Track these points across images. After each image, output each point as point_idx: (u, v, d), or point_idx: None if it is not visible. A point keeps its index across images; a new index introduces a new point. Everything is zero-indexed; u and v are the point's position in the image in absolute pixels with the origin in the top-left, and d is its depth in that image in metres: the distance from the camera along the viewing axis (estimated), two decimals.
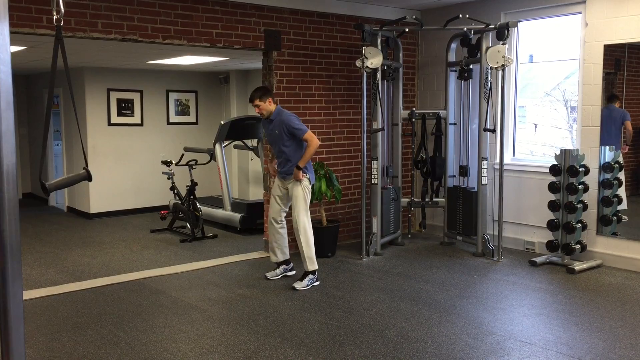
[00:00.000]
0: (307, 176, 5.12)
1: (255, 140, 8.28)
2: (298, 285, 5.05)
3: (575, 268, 5.50)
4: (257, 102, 4.99)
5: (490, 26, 5.98)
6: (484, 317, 4.36)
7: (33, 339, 3.98)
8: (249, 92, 9.50)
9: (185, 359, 3.65)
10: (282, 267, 5.40)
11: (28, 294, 4.93)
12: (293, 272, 5.43)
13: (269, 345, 3.84)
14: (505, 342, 3.89)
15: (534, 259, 5.82)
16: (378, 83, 6.13)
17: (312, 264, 5.10)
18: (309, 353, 3.72)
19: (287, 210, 5.34)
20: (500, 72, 5.93)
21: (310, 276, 5.11)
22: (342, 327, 4.18)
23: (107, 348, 3.83)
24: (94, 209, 8.80)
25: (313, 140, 4.97)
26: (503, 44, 5.82)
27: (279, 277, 5.37)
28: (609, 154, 5.77)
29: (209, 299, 4.85)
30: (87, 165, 2.18)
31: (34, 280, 5.41)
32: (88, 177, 2.15)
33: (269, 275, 5.38)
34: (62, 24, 1.93)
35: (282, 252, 5.37)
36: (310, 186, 5.19)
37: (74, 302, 4.81)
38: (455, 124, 6.70)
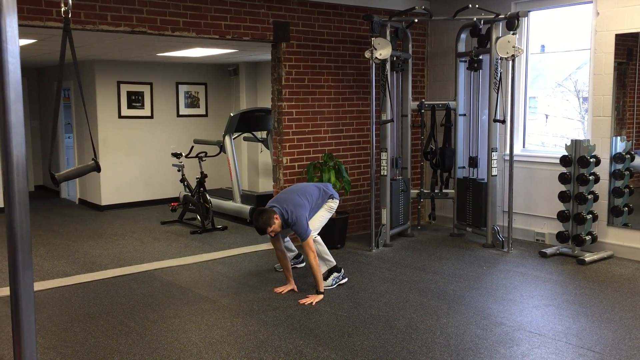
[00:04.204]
0: (335, 199, 5.05)
1: (265, 132, 8.29)
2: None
3: (586, 259, 5.48)
4: (270, 229, 4.53)
5: (500, 16, 5.94)
6: (493, 308, 4.36)
7: (45, 329, 4.03)
8: (258, 84, 9.63)
9: (195, 349, 3.68)
10: (292, 260, 5.36)
11: (40, 285, 4.98)
12: (303, 264, 5.44)
13: (278, 336, 3.86)
14: (515, 333, 3.89)
15: (544, 250, 5.80)
16: (387, 74, 6.11)
17: (326, 264, 4.88)
18: (318, 343, 3.74)
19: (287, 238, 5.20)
20: (510, 62, 5.89)
21: (335, 273, 4.90)
22: (351, 317, 4.19)
23: (118, 338, 3.87)
24: (105, 201, 8.86)
25: (309, 251, 4.60)
26: (513, 34, 5.77)
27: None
28: (620, 145, 5.72)
29: (219, 289, 4.88)
30: (96, 156, 2.20)
31: (46, 272, 5.47)
32: (97, 168, 2.17)
33: (277, 267, 5.37)
34: (70, 15, 1.95)
35: (289, 250, 5.29)
36: (335, 208, 5.10)
37: (86, 293, 4.86)
38: (464, 114, 6.67)
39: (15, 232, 1.66)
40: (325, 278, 4.84)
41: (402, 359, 3.49)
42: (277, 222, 4.54)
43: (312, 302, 4.48)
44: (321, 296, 4.57)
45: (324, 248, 4.90)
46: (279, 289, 4.79)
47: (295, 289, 4.78)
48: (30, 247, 1.70)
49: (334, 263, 4.91)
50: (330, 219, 6.05)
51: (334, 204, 5.06)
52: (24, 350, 1.69)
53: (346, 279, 4.97)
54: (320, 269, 4.76)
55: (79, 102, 9.38)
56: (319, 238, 4.89)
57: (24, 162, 1.67)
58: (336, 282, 4.88)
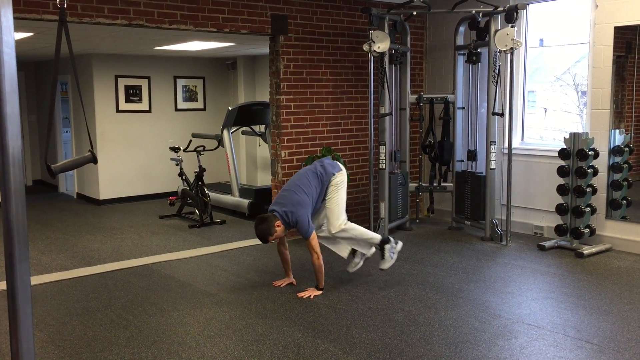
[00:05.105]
0: (337, 172, 4.66)
1: (263, 126, 8.27)
2: (384, 264, 4.66)
3: (584, 252, 5.48)
4: (271, 238, 4.42)
5: (499, 9, 5.92)
6: (492, 301, 4.36)
7: (43, 322, 4.03)
8: (256, 77, 9.61)
9: (194, 342, 3.68)
10: (359, 254, 4.85)
11: (38, 279, 4.98)
12: (373, 250, 4.84)
13: (276, 329, 3.86)
14: (513, 325, 3.89)
15: (542, 243, 5.80)
16: (385, 67, 6.09)
17: (372, 241, 4.68)
18: (316, 336, 3.74)
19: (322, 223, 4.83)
20: (509, 55, 5.88)
21: (387, 246, 4.66)
22: (349, 310, 4.19)
23: (116, 331, 3.87)
24: (104, 195, 8.85)
25: (313, 251, 4.46)
26: (512, 26, 5.75)
27: (361, 264, 4.88)
28: (619, 137, 5.72)
29: (217, 283, 4.88)
30: (92, 147, 2.19)
31: (44, 266, 5.46)
32: (93, 160, 2.16)
33: (349, 269, 4.88)
34: (65, 5, 1.93)
35: (341, 245, 4.80)
36: (343, 180, 4.67)
37: (84, 286, 4.85)
38: (463, 108, 6.66)
39: (11, 224, 1.66)
40: (382, 256, 4.65)
41: (401, 352, 3.50)
42: (279, 229, 4.39)
43: (310, 296, 4.48)
44: (320, 292, 4.55)
45: (360, 229, 4.64)
46: (277, 283, 4.79)
47: (294, 283, 4.78)
48: (27, 238, 1.69)
49: (379, 238, 4.66)
50: None
51: (339, 177, 4.65)
52: (21, 343, 1.69)
53: (401, 243, 4.80)
54: (369, 250, 4.64)
55: (77, 96, 9.35)
56: (349, 224, 4.61)
57: (20, 153, 1.66)
58: (394, 253, 4.67)
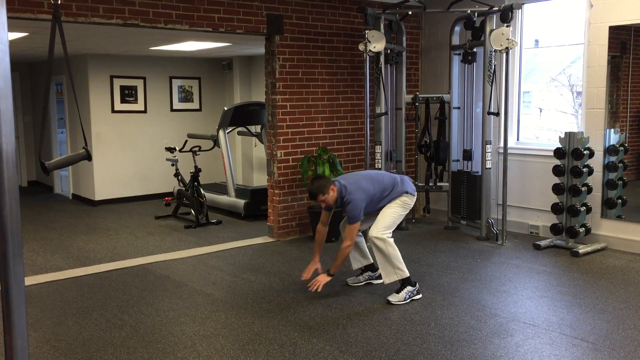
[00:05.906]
0: (411, 194, 4.48)
1: (259, 127, 8.27)
2: (394, 298, 4.33)
3: (580, 251, 5.49)
4: (321, 197, 4.28)
5: (494, 8, 5.94)
6: (488, 300, 4.36)
7: (38, 323, 4.02)
8: (252, 77, 9.60)
9: (190, 341, 3.67)
10: (367, 273, 4.77)
11: (34, 279, 4.96)
12: (380, 281, 4.68)
13: (272, 328, 3.86)
14: (509, 324, 3.89)
15: (538, 243, 5.81)
16: (381, 67, 6.10)
17: (397, 273, 4.38)
18: (312, 335, 3.73)
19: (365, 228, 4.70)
20: (504, 55, 5.89)
21: (409, 287, 4.37)
22: (345, 310, 4.19)
23: (112, 331, 3.85)
24: (99, 196, 8.82)
25: (348, 238, 4.35)
26: (507, 26, 5.77)
27: (362, 284, 4.76)
28: (614, 137, 5.73)
29: (213, 283, 4.87)
30: (86, 144, 2.18)
31: (39, 266, 5.44)
32: (87, 157, 2.15)
33: (350, 281, 4.79)
34: (59, 2, 1.93)
35: (362, 255, 4.72)
36: (410, 205, 4.51)
37: (79, 287, 4.84)
38: (459, 107, 6.67)
39: (5, 222, 1.65)
40: (398, 291, 4.36)
41: (397, 350, 3.50)
42: (331, 193, 4.27)
43: (319, 286, 4.34)
44: (329, 278, 4.40)
45: (396, 252, 4.37)
46: (304, 274, 4.55)
47: (319, 269, 4.56)
48: (20, 235, 1.69)
49: (407, 274, 4.37)
50: None
51: (409, 199, 4.47)
52: (15, 341, 1.68)
53: (420, 295, 4.43)
54: (390, 276, 4.37)
55: (72, 96, 9.33)
56: (391, 240, 4.38)
57: (13, 150, 1.65)
58: (409, 297, 4.34)
